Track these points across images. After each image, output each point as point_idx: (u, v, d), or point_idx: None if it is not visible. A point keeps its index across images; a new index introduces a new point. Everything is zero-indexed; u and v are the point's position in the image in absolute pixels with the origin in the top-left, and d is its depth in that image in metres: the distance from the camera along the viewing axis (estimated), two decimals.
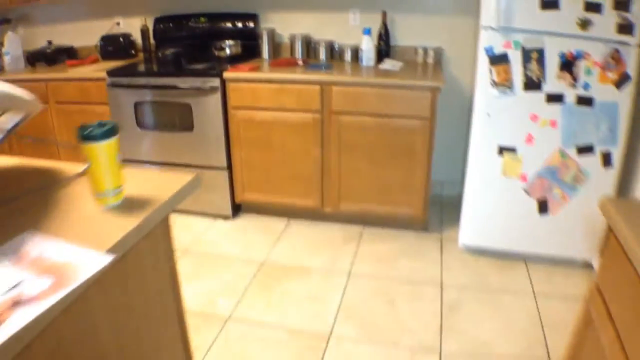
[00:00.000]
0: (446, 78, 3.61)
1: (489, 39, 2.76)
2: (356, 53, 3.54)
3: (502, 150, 2.88)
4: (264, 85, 3.24)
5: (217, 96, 3.32)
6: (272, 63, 3.51)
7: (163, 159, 3.65)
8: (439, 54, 3.56)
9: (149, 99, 3.52)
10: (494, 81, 2.81)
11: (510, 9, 2.65)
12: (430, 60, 3.54)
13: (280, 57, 3.82)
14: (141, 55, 4.23)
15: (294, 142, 3.32)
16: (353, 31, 3.71)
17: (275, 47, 3.82)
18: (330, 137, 3.25)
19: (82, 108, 3.87)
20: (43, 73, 4.02)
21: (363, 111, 3.13)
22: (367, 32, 3.40)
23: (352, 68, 3.41)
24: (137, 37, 4.21)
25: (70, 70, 3.91)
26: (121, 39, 4.17)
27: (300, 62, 3.48)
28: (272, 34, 3.75)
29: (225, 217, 3.69)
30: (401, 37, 3.66)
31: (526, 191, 2.92)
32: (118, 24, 4.36)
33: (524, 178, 2.90)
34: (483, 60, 2.79)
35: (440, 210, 3.74)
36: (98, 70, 3.78)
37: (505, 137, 2.87)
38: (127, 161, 3.77)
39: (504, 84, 2.81)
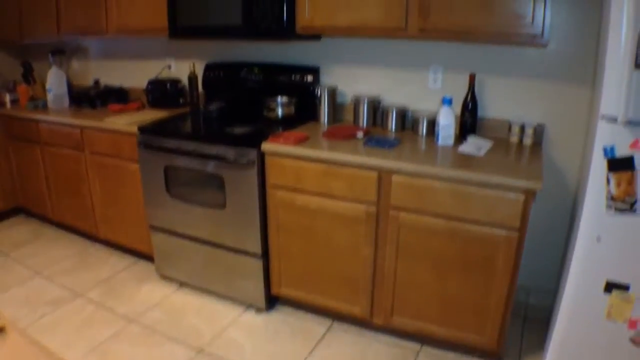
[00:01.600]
0: (547, 164, 2.86)
1: (610, 135, 2.03)
2: (433, 124, 2.88)
3: (610, 286, 2.13)
4: (309, 164, 2.66)
5: (254, 171, 2.78)
6: (326, 132, 2.92)
7: (193, 232, 3.17)
8: (539, 132, 2.82)
9: (179, 164, 3.05)
10: (611, 194, 2.07)
11: None
12: (527, 140, 2.80)
13: (341, 121, 3.23)
14: (188, 104, 3.80)
15: (342, 236, 2.70)
16: (432, 95, 3.06)
17: (337, 109, 3.24)
18: (386, 236, 2.60)
19: (115, 162, 3.53)
20: (81, 118, 3.73)
21: (430, 210, 2.46)
22: (448, 102, 2.73)
23: (425, 148, 2.76)
24: (187, 83, 3.78)
25: (106, 119, 3.54)
26: (168, 86, 3.78)
27: (360, 134, 2.86)
28: (333, 94, 3.17)
29: (258, 309, 3.12)
30: (492, 107, 2.96)
31: (633, 341, 2.15)
32: (169, 67, 3.98)
33: (632, 324, 2.13)
34: (599, 164, 2.06)
35: (521, 327, 2.97)
36: (137, 121, 3.39)
37: (616, 270, 2.10)
38: (155, 229, 3.34)
39: (625, 199, 2.07)
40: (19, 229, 4.54)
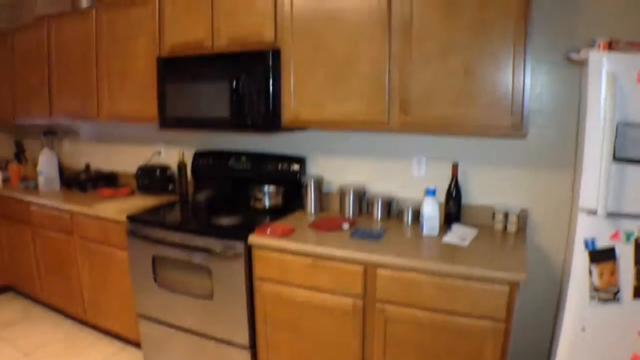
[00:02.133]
0: (532, 251, 2.91)
1: (590, 228, 2.10)
2: (418, 213, 2.93)
3: None
4: (296, 258, 2.69)
5: (241, 263, 2.81)
6: (313, 223, 2.97)
7: (181, 322, 3.16)
8: (523, 218, 2.89)
9: (167, 254, 3.08)
10: (594, 285, 2.12)
11: (621, 189, 1.99)
12: (511, 227, 2.85)
13: (327, 210, 3.30)
14: (177, 191, 3.89)
15: (330, 329, 2.70)
16: (416, 184, 3.14)
17: (323, 198, 3.31)
18: (373, 330, 2.60)
19: (103, 249, 3.56)
20: (71, 203, 3.78)
21: (416, 303, 2.47)
22: (431, 193, 2.80)
23: (410, 238, 2.80)
24: (177, 170, 3.86)
25: (96, 205, 3.60)
26: (158, 172, 3.86)
27: (346, 225, 2.91)
28: (319, 184, 3.25)
29: None
30: (476, 194, 3.03)
31: None
32: (159, 153, 4.06)
33: None
34: (580, 256, 2.13)
35: None
36: (126, 208, 3.45)
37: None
38: (143, 317, 3.33)
39: (608, 290, 2.11)
40: (9, 307, 4.52)
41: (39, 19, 4.31)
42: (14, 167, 4.72)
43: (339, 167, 3.35)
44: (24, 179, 4.71)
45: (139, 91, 3.59)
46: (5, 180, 4.70)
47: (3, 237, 4.57)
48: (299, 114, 2.97)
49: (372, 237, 2.74)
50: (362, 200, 3.18)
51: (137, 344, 3.59)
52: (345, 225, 2.91)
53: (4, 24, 5.01)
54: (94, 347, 3.80)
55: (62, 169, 4.50)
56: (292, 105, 2.98)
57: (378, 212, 3.10)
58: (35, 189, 4.33)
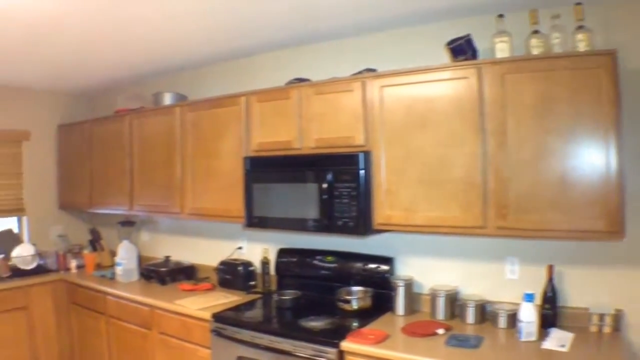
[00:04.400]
0: (628, 351, 2.79)
1: None
2: (513, 318, 2.87)
3: None
4: None
5: None
6: (406, 328, 2.93)
7: None
8: (617, 319, 2.78)
9: (253, 357, 3.07)
10: None
11: None
12: (606, 329, 2.76)
13: (418, 312, 3.26)
14: (259, 288, 3.90)
15: None
16: (510, 287, 3.07)
17: (413, 300, 3.27)
18: None
19: (183, 346, 3.56)
20: (151, 296, 3.85)
21: None
22: (529, 298, 2.73)
23: (508, 345, 2.72)
24: (259, 267, 3.92)
25: (177, 300, 3.64)
26: (240, 268, 3.90)
27: (440, 331, 2.86)
28: (409, 285, 3.23)
29: None
30: (572, 296, 2.94)
31: None
32: (241, 248, 4.12)
33: None
34: None
35: None
36: (209, 306, 3.49)
37: None
38: None
39: None
40: None
41: (120, 113, 4.55)
42: (89, 255, 4.85)
43: (429, 267, 3.33)
44: (98, 266, 4.82)
45: (224, 190, 3.69)
46: (80, 267, 4.83)
47: (74, 324, 4.67)
48: (391, 218, 3.00)
49: (468, 345, 2.67)
50: (454, 303, 3.14)
51: None
52: (440, 331, 2.86)
53: (82, 114, 5.30)
54: None
55: (140, 260, 4.60)
56: (384, 209, 3.02)
57: (471, 316, 3.04)
58: (112, 279, 4.43)
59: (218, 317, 3.27)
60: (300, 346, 2.88)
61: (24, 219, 5.14)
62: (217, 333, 3.22)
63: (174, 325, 3.61)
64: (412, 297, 3.27)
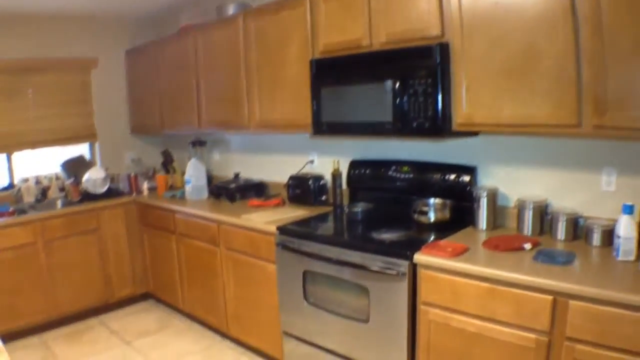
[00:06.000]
0: None
1: None
2: (608, 234, 2.52)
3: None
4: (470, 282, 2.40)
5: (404, 285, 2.57)
6: (488, 242, 2.65)
7: (330, 345, 2.99)
8: None
9: (320, 270, 2.92)
10: None
11: None
12: None
13: (502, 227, 2.96)
14: (330, 203, 3.73)
15: None
16: (606, 200, 2.69)
17: (497, 214, 2.97)
18: None
19: (250, 262, 3.49)
20: (218, 212, 3.78)
21: (613, 345, 2.06)
22: (628, 210, 2.36)
23: (602, 263, 2.39)
24: (330, 181, 3.73)
25: (243, 215, 3.53)
26: (310, 182, 3.72)
27: (527, 246, 2.56)
28: (493, 196, 2.92)
29: None
30: None
31: None
32: (312, 162, 3.94)
33: None
34: None
35: None
36: (276, 219, 3.35)
37: None
38: (288, 336, 3.22)
39: None
40: (147, 316, 4.63)
41: (184, 30, 4.42)
42: (160, 177, 4.86)
43: (516, 178, 3.00)
44: (171, 188, 4.81)
45: (291, 98, 3.50)
46: (152, 189, 4.86)
47: (146, 245, 4.74)
48: (472, 117, 2.68)
49: (559, 261, 2.36)
50: (544, 217, 2.80)
51: None
52: (527, 245, 2.56)
53: (148, 37, 5.22)
54: None
55: (210, 179, 4.56)
56: (463, 107, 2.70)
57: (562, 232, 2.70)
58: (181, 198, 4.41)
59: (283, 230, 3.14)
60: (369, 258, 2.68)
61: (96, 145, 5.22)
62: (283, 246, 3.09)
63: (241, 240, 3.54)
64: (496, 210, 2.96)
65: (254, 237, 3.40)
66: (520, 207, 2.83)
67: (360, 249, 2.75)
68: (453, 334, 2.50)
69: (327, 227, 3.25)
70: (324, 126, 3.19)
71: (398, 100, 2.79)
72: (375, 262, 2.65)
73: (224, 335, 4.03)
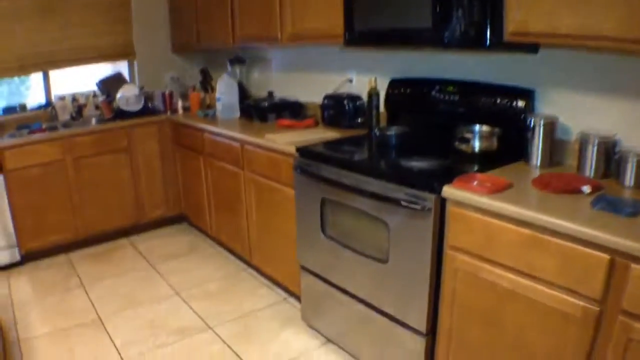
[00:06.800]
0: None
1: None
2: None
3: None
4: (508, 226, 1.95)
5: (429, 222, 2.14)
6: (538, 179, 2.17)
7: (346, 285, 2.67)
8: None
9: (338, 199, 2.54)
10: None
11: None
12: None
13: (560, 165, 2.45)
14: (366, 125, 3.30)
15: (541, 334, 1.93)
16: None
17: (555, 148, 2.44)
18: (606, 351, 1.78)
19: (272, 186, 3.21)
20: (244, 132, 3.47)
21: None
22: None
23: None
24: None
25: (267, 135, 3.18)
26: (346, 102, 3.31)
27: (586, 189, 2.06)
28: (551, 127, 2.39)
29: None
30: None
31: None
32: (350, 80, 3.53)
33: None
34: None
35: None
36: (301, 140, 3.00)
37: None
38: (305, 270, 2.96)
39: None
40: (177, 240, 4.52)
41: None
42: (194, 95, 4.62)
43: (581, 106, 2.45)
44: (208, 107, 4.54)
45: (323, 7, 3.08)
46: (187, 109, 4.61)
47: (179, 166, 4.54)
48: (527, 25, 2.13)
49: (623, 211, 1.86)
50: (610, 156, 2.27)
51: (298, 297, 3.22)
52: (586, 188, 2.05)
53: None
54: (254, 293, 3.54)
55: (244, 98, 4.25)
56: (516, 13, 2.16)
57: (630, 177, 2.16)
58: (213, 118, 4.13)
59: (303, 152, 2.79)
60: (391, 188, 2.27)
61: (135, 64, 5.03)
62: (301, 170, 2.73)
63: (262, 162, 3.24)
64: (554, 144, 2.43)
65: (275, 158, 3.08)
66: (583, 142, 2.29)
67: (381, 176, 2.33)
68: (482, 288, 2.07)
69: (352, 151, 2.84)
70: (357, 35, 2.75)
71: (440, 4, 2.29)
72: (396, 193, 2.23)
73: (248, 263, 3.84)
